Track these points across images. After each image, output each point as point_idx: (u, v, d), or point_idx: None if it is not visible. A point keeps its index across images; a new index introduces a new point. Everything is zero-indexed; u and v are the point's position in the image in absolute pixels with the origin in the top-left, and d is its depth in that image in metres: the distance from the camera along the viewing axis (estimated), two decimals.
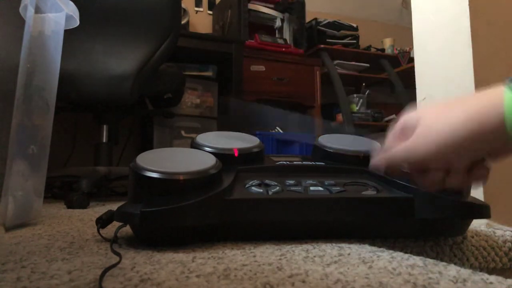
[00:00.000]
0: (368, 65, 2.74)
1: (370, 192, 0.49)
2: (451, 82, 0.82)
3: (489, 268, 0.54)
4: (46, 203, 1.14)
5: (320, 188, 0.49)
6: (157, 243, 0.44)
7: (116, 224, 0.48)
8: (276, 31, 2.48)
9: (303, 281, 0.30)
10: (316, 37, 2.64)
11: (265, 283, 0.30)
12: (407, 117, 0.45)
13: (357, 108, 2.62)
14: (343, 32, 2.77)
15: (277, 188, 0.48)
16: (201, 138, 0.57)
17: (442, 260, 0.49)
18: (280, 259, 0.38)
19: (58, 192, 1.37)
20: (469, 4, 0.79)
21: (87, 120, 1.87)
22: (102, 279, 0.30)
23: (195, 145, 0.55)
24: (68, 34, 0.70)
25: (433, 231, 0.52)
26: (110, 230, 0.51)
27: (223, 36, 2.25)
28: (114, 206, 0.50)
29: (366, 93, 2.70)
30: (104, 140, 1.40)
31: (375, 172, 0.51)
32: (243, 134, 0.61)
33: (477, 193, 0.73)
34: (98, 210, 0.96)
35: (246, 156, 0.55)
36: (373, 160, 0.49)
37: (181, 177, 0.44)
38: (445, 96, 0.84)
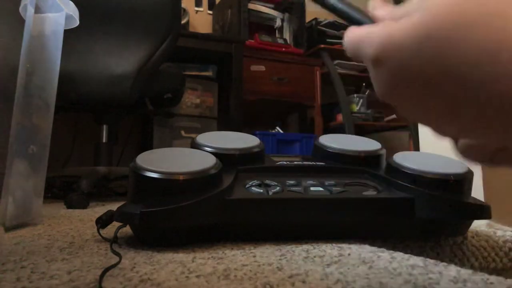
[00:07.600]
0: None
1: (370, 193, 0.49)
2: None
3: (489, 268, 0.54)
4: (46, 203, 1.14)
5: (321, 189, 0.49)
6: (157, 243, 0.44)
7: (116, 224, 0.48)
8: (276, 31, 2.48)
9: (303, 282, 0.30)
10: (316, 37, 2.64)
11: (265, 283, 0.30)
12: None
13: (357, 108, 2.61)
14: (343, 32, 2.75)
15: (278, 188, 0.48)
16: (201, 138, 0.57)
17: (442, 260, 0.49)
18: (280, 259, 0.38)
19: (58, 192, 1.37)
20: None
21: (87, 120, 1.87)
22: (102, 279, 0.30)
23: (195, 145, 0.55)
24: (68, 34, 0.70)
25: (433, 231, 0.52)
26: (110, 230, 0.51)
27: (223, 36, 2.25)
28: (114, 206, 0.50)
29: (366, 93, 2.69)
30: (104, 140, 1.40)
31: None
32: (243, 134, 0.61)
33: (477, 193, 0.73)
34: (98, 210, 0.96)
35: (246, 156, 0.55)
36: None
37: (181, 177, 0.44)
38: None
